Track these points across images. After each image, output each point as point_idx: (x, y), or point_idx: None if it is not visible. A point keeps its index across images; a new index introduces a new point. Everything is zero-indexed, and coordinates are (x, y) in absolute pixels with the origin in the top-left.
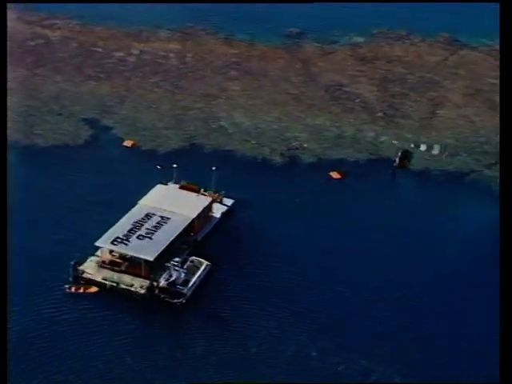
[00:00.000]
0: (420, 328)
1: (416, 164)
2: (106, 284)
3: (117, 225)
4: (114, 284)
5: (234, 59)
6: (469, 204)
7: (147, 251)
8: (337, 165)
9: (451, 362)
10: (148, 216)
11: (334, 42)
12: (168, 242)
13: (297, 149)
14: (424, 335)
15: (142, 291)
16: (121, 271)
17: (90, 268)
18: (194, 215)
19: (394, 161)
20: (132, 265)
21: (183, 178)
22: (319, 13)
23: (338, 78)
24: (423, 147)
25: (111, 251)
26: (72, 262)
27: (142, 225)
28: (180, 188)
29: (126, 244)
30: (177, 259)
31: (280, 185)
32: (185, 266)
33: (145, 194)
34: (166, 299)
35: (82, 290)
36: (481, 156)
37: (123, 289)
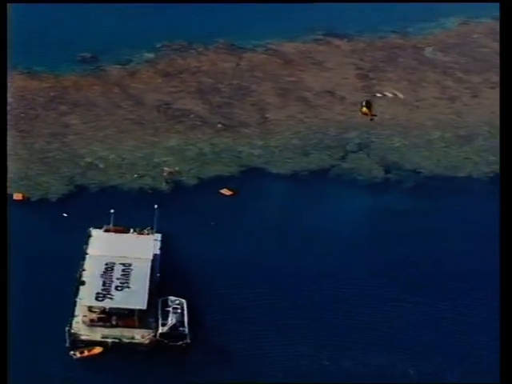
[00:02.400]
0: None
1: (286, 167)
2: (107, 342)
3: (88, 282)
4: (116, 340)
5: (52, 93)
6: (341, 196)
7: (135, 301)
8: (217, 182)
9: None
10: (109, 266)
11: (130, 61)
12: (148, 288)
13: (173, 173)
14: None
15: (146, 341)
16: (113, 325)
17: (82, 329)
18: (151, 256)
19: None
20: (121, 317)
21: (90, 221)
22: (97, 33)
23: (159, 96)
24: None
25: (90, 308)
26: (67, 328)
27: (111, 276)
28: (105, 231)
29: (111, 298)
30: (177, 302)
31: (185, 211)
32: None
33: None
34: (171, 343)
35: (86, 353)
36: (328, 150)
37: (126, 343)
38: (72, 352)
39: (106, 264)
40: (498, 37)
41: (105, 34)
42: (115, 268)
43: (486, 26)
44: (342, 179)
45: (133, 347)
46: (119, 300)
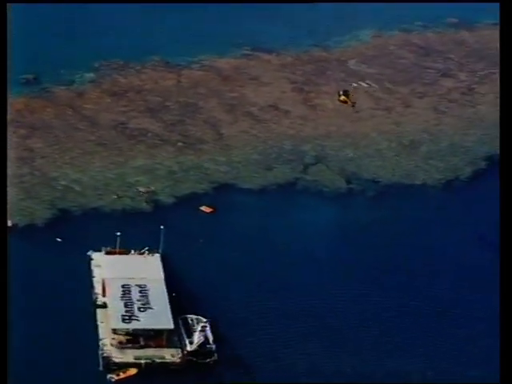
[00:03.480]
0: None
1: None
2: (141, 363)
3: (110, 305)
4: (149, 361)
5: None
6: (313, 207)
7: (162, 321)
8: (193, 199)
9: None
10: (126, 288)
11: (73, 82)
12: (169, 307)
13: (149, 193)
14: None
15: (178, 360)
16: (141, 346)
17: (114, 352)
18: (162, 276)
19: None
20: (149, 338)
21: (84, 243)
22: (32, 54)
23: (112, 116)
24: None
25: (115, 331)
26: (100, 352)
27: (130, 298)
28: (107, 254)
29: (137, 320)
30: (204, 320)
31: (171, 230)
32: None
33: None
34: (200, 361)
35: (122, 376)
36: (289, 164)
37: (159, 362)
38: (109, 375)
39: (123, 286)
40: (412, 48)
41: (40, 55)
42: (132, 290)
43: (398, 37)
44: (310, 191)
45: (164, 367)
46: (146, 321)
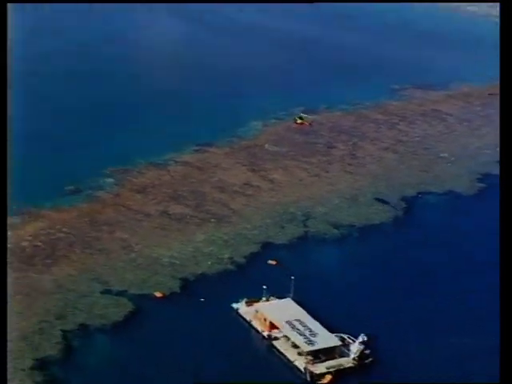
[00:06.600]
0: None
1: None
2: (331, 372)
3: (291, 336)
4: (336, 369)
5: (85, 219)
6: (328, 248)
7: (332, 340)
8: (256, 256)
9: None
10: (290, 324)
11: (102, 187)
12: (326, 331)
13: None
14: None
15: (352, 365)
16: (323, 360)
17: (312, 367)
18: (305, 311)
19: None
20: (325, 353)
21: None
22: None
23: (153, 207)
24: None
25: (299, 353)
26: (303, 369)
27: (299, 329)
28: (247, 303)
29: (317, 343)
30: (362, 335)
31: (264, 278)
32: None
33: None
34: (362, 362)
35: (326, 381)
36: (291, 223)
37: (343, 369)
38: (319, 382)
39: (287, 322)
40: (293, 130)
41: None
42: (294, 323)
43: (280, 124)
44: (317, 239)
45: (346, 370)
46: (323, 343)
